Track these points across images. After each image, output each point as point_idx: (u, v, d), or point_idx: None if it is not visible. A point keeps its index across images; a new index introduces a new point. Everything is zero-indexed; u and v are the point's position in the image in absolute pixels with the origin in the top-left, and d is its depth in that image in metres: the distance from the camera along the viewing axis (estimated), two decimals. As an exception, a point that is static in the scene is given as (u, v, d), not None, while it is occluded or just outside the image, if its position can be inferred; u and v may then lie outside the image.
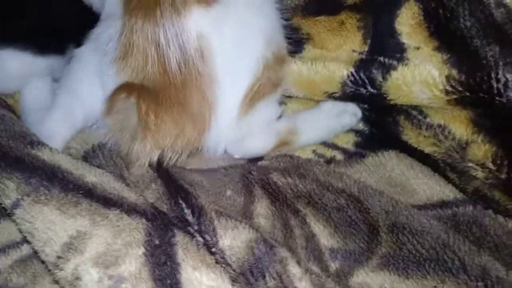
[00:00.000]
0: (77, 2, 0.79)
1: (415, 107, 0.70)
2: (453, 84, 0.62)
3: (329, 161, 0.75)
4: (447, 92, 0.63)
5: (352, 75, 0.69)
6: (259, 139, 0.72)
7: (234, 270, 0.55)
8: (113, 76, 0.64)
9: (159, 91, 0.62)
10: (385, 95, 0.68)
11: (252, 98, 0.67)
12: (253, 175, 0.70)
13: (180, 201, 0.62)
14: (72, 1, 0.80)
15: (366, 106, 0.77)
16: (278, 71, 0.70)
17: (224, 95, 0.65)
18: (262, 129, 0.71)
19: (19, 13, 0.77)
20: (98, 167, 0.68)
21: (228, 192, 0.69)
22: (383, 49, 0.69)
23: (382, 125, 0.76)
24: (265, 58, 0.67)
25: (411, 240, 0.59)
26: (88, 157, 0.72)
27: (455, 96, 0.63)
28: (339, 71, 0.70)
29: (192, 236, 0.58)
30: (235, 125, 0.68)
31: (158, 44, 0.62)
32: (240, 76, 0.66)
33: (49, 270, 0.55)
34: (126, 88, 0.63)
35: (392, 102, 0.69)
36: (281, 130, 0.74)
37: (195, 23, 0.63)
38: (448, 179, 0.70)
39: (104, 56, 0.67)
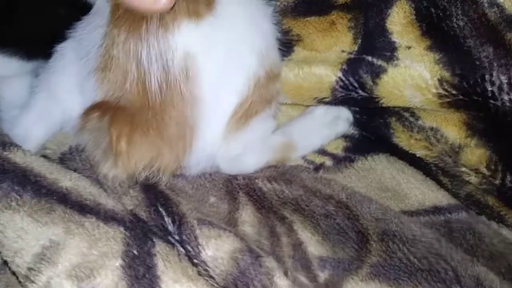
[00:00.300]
0: (66, 5, 0.76)
1: (407, 109, 0.68)
2: (446, 87, 0.60)
3: (318, 167, 0.72)
4: (440, 96, 0.60)
5: (341, 80, 0.67)
6: (252, 156, 0.68)
7: (217, 283, 0.52)
8: (92, 86, 0.61)
9: (135, 113, 0.58)
10: (376, 99, 0.66)
11: (244, 116, 0.64)
12: (238, 181, 0.67)
13: (160, 209, 0.59)
14: (62, 3, 0.77)
15: (356, 108, 0.74)
16: (271, 88, 0.67)
17: (209, 115, 0.61)
18: (256, 146, 0.68)
19: (8, 19, 0.74)
20: (74, 170, 0.65)
21: (212, 199, 0.66)
22: (373, 48, 0.67)
23: (373, 127, 0.74)
24: (257, 75, 0.63)
25: (402, 248, 0.57)
26: (64, 159, 0.68)
27: (448, 99, 0.61)
28: (327, 76, 0.67)
29: (173, 246, 0.55)
30: (226, 144, 0.64)
31: (140, 61, 0.58)
32: (227, 95, 0.63)
33: (20, 282, 0.52)
34: (100, 107, 0.59)
35: (384, 105, 0.66)
36: (276, 145, 0.71)
37: (183, 41, 0.58)
38: (440, 184, 0.68)
39: (85, 61, 0.63)
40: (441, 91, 0.60)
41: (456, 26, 0.60)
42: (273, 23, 0.68)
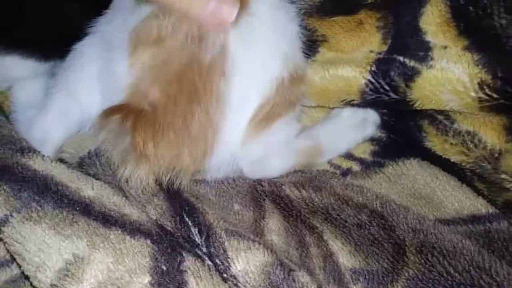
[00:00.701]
0: (80, 3, 0.74)
1: (441, 111, 0.64)
2: (487, 91, 0.57)
3: (345, 173, 0.69)
4: (480, 100, 0.57)
5: (371, 82, 0.64)
6: (277, 159, 0.65)
7: (249, 299, 0.49)
8: (118, 83, 0.58)
9: (158, 113, 0.56)
10: (410, 102, 0.63)
11: (265, 118, 0.62)
12: (263, 187, 0.64)
13: (186, 218, 0.56)
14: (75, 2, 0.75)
15: (384, 110, 0.71)
16: (295, 91, 0.64)
17: (231, 116, 0.59)
18: (280, 149, 0.65)
19: (23, 19, 0.72)
20: (94, 176, 0.63)
21: (236, 206, 0.63)
22: (405, 48, 0.64)
23: (402, 130, 0.71)
24: (280, 78, 0.61)
25: (442, 261, 0.54)
26: (83, 164, 0.66)
27: (488, 103, 0.57)
28: (356, 79, 0.65)
29: (203, 260, 0.52)
30: (247, 147, 0.62)
31: (183, 50, 0.55)
32: (250, 96, 0.61)
33: (42, 298, 0.50)
34: (122, 110, 0.56)
35: (418, 108, 0.63)
36: (301, 149, 0.68)
37: (225, 36, 0.57)
38: (475, 190, 0.64)
39: (110, 51, 0.60)
40: (481, 95, 0.57)
41: (498, 25, 0.56)
42: (299, 24, 0.66)
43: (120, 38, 0.58)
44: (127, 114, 0.56)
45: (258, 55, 0.60)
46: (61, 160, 0.67)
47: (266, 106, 0.61)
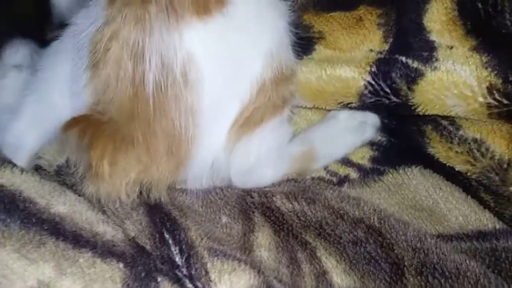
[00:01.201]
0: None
1: (446, 117, 0.59)
2: (497, 97, 0.52)
3: (342, 180, 0.64)
4: (489, 106, 0.52)
5: (371, 84, 0.59)
6: (268, 167, 0.61)
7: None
8: (81, 87, 0.53)
9: (121, 125, 0.51)
10: (412, 107, 0.58)
11: (247, 123, 0.56)
12: (253, 199, 0.60)
13: (166, 236, 0.52)
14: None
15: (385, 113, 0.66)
16: (281, 91, 0.58)
17: (207, 125, 0.54)
18: (271, 156, 0.60)
19: None
20: (72, 186, 0.58)
21: (224, 219, 0.58)
22: (408, 48, 0.59)
23: (404, 135, 0.66)
24: (262, 79, 0.55)
25: (443, 284, 0.49)
26: (61, 172, 0.61)
27: (498, 110, 0.52)
28: (355, 80, 0.60)
29: (181, 283, 0.48)
30: (234, 155, 0.57)
31: (138, 57, 0.50)
32: (228, 103, 0.55)
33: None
34: (80, 122, 0.52)
35: (421, 113, 0.58)
36: (294, 155, 0.63)
37: (188, 41, 0.51)
38: (481, 201, 0.60)
39: (78, 57, 0.55)
40: (490, 100, 0.52)
41: (509, 23, 0.51)
42: (288, 21, 0.60)
43: (84, 42, 0.53)
44: (86, 127, 0.52)
45: (234, 53, 0.54)
46: (39, 167, 0.63)
47: (246, 110, 0.56)
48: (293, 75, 0.61)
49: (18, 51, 0.71)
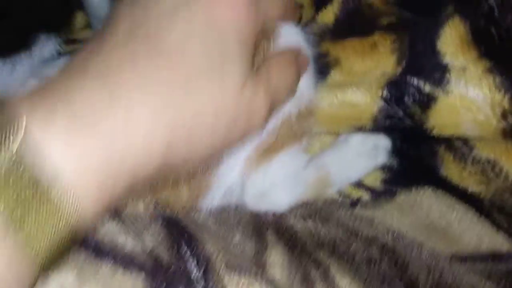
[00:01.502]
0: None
1: (459, 137, 0.60)
2: (510, 121, 0.52)
3: (355, 203, 0.64)
4: (503, 129, 0.53)
5: (384, 109, 0.59)
6: (283, 193, 0.61)
7: None
8: None
9: None
10: (427, 130, 0.58)
11: (268, 150, 0.58)
12: (266, 217, 0.60)
13: (185, 249, 0.52)
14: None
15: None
16: (302, 124, 0.60)
17: (229, 154, 0.55)
18: (287, 182, 0.61)
19: None
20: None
21: (237, 237, 0.58)
22: (420, 70, 0.59)
23: (415, 156, 0.66)
24: (288, 112, 0.57)
25: (459, 304, 0.49)
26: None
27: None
28: (367, 105, 0.60)
29: (198, 298, 0.48)
30: (252, 179, 0.58)
31: None
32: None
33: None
34: None
35: (435, 136, 0.58)
36: (309, 181, 0.63)
37: None
38: (493, 221, 0.60)
39: None
40: (504, 124, 0.53)
41: (523, 47, 0.52)
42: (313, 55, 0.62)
43: None
44: None
45: None
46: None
47: (268, 141, 0.57)
48: (314, 108, 0.62)
49: (45, 46, 0.71)
